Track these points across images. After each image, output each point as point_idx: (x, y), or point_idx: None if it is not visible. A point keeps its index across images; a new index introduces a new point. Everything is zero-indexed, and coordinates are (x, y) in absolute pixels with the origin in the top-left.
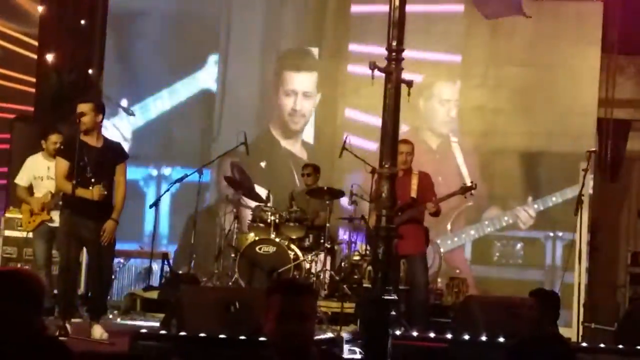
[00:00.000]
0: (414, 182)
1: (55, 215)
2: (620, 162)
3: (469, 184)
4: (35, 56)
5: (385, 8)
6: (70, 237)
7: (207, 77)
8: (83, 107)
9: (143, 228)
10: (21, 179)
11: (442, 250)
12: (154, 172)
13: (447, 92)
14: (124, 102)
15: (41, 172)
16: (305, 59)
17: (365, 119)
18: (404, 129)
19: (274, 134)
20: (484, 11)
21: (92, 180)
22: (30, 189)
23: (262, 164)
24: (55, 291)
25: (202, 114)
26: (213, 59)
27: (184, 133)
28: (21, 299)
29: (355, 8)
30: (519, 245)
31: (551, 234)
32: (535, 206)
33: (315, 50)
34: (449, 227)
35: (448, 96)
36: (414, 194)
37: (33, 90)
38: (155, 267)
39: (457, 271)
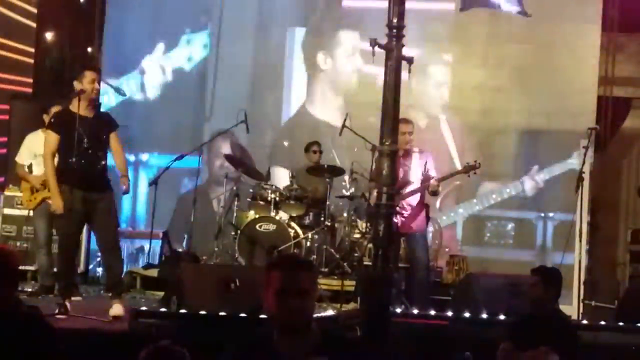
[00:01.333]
0: (415, 161)
1: None
2: (620, 140)
3: (458, 163)
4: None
5: None
6: (70, 213)
7: (179, 56)
8: (93, 75)
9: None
10: (20, 157)
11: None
12: (131, 158)
13: (441, 74)
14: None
15: (41, 149)
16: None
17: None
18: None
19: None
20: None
21: (89, 152)
22: (30, 167)
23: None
24: (55, 269)
25: (180, 97)
26: (185, 38)
27: (164, 116)
28: None
29: None
30: (509, 226)
31: (542, 215)
32: (542, 175)
33: None
34: (437, 205)
35: (441, 78)
36: (414, 173)
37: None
38: (147, 246)
39: (447, 249)
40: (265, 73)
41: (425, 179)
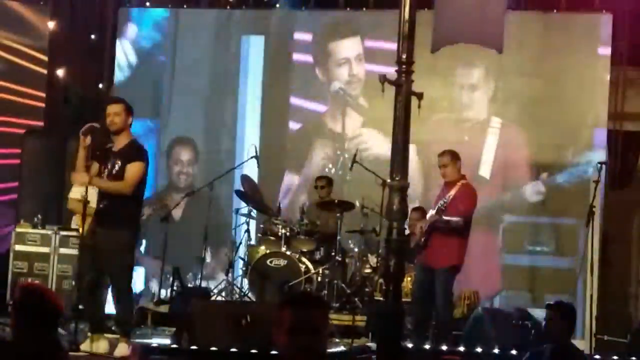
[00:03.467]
0: (451, 193)
1: None
2: (630, 174)
3: None
4: (45, 71)
5: None
6: (91, 249)
7: None
8: (115, 108)
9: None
10: (72, 192)
11: None
12: None
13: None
14: None
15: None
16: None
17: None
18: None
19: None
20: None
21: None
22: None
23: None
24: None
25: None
26: None
27: None
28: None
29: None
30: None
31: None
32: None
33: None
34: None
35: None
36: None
37: (42, 105)
38: (155, 282)
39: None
40: (221, 81)
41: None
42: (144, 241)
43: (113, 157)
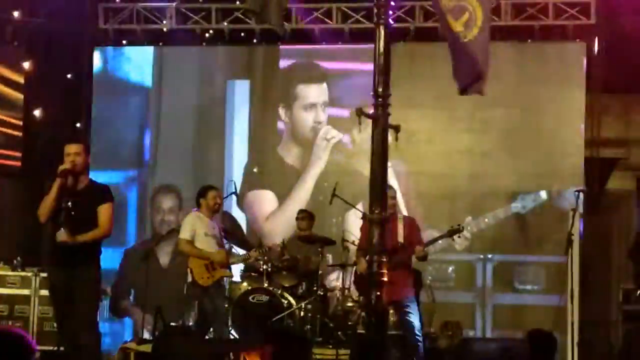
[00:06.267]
0: (400, 226)
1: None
2: (607, 200)
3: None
4: (21, 114)
5: None
6: (55, 291)
7: None
8: (75, 148)
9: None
10: (185, 233)
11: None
12: None
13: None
14: None
15: (201, 229)
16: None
17: None
18: None
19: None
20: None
21: (71, 226)
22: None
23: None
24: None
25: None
26: None
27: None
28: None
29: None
30: (450, 269)
31: (481, 256)
32: (469, 227)
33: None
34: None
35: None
36: (401, 239)
37: (19, 151)
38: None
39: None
40: (208, 124)
41: (410, 244)
42: (132, 291)
43: (73, 196)
